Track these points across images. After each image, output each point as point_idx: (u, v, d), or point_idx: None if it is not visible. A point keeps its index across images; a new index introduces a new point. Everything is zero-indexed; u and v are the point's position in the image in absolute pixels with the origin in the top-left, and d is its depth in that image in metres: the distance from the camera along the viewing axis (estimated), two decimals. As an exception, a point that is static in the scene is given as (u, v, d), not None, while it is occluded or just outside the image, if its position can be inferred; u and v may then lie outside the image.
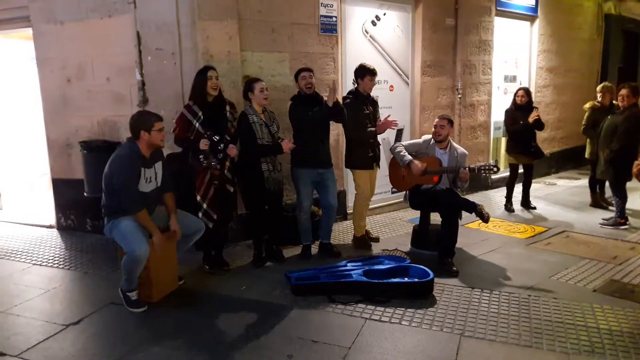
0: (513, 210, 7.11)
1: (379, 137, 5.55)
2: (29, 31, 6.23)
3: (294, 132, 5.16)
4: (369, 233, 5.83)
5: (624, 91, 6.16)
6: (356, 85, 5.48)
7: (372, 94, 5.50)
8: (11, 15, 6.40)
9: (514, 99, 7.06)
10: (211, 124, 4.62)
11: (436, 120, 5.29)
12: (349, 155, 5.51)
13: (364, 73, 5.33)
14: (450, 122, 5.28)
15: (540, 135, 7.49)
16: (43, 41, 6.10)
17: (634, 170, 5.20)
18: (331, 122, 5.24)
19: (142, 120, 4.08)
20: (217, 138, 4.64)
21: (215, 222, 4.74)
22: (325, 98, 5.07)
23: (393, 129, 5.55)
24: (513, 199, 7.24)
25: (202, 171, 4.64)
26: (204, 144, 4.54)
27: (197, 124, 4.58)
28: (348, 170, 5.74)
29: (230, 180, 4.83)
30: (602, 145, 6.34)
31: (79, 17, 5.79)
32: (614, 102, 6.94)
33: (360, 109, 5.31)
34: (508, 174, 7.34)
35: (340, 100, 5.22)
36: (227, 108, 4.81)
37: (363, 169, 5.43)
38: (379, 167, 5.63)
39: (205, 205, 4.67)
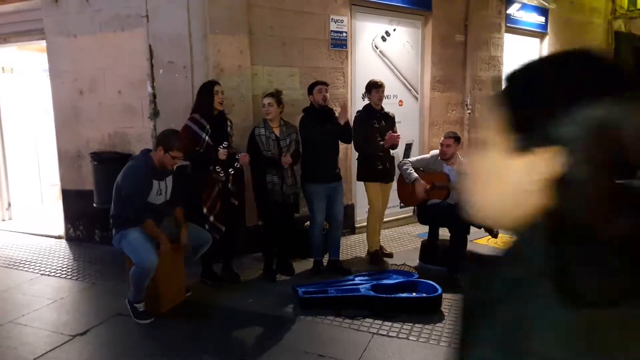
0: None
1: (392, 152, 5.54)
2: (42, 44, 6.33)
3: (304, 146, 5.16)
4: (383, 248, 5.77)
5: None
6: (367, 101, 5.54)
7: (385, 109, 5.53)
8: (26, 28, 6.50)
9: None
10: (216, 137, 4.63)
11: (442, 139, 5.30)
12: (359, 168, 5.53)
13: (370, 87, 5.44)
14: (457, 140, 5.26)
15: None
16: (56, 54, 6.17)
17: None
18: None
19: (167, 139, 4.13)
20: (234, 148, 4.69)
21: (223, 234, 4.74)
22: (336, 113, 5.11)
23: (396, 142, 5.47)
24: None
25: (210, 184, 4.63)
26: (223, 154, 4.54)
27: (206, 137, 4.58)
28: (357, 183, 5.72)
29: (234, 194, 4.82)
30: None
31: (92, 31, 5.87)
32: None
33: (369, 122, 5.33)
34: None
35: (352, 116, 5.25)
36: (229, 122, 4.84)
37: (373, 182, 5.42)
38: (392, 181, 5.55)
39: (212, 218, 4.65)
